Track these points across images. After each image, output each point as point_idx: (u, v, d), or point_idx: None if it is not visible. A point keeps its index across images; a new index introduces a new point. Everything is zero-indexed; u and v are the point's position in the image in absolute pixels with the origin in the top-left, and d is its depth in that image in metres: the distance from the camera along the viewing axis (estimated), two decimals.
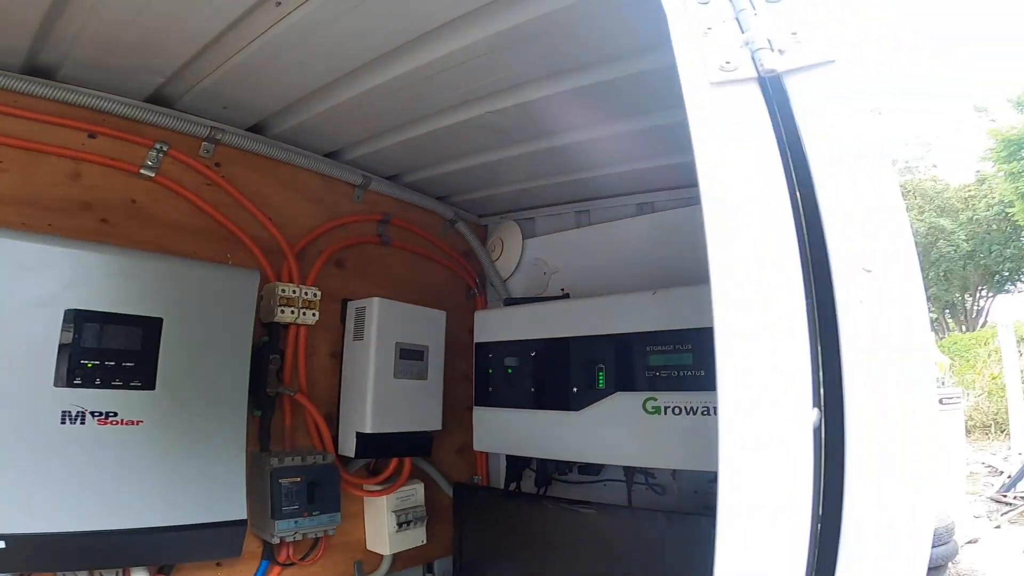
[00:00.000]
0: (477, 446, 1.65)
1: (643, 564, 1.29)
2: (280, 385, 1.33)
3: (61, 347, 0.97)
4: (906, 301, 0.48)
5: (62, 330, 0.96)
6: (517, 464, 1.74)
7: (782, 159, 0.50)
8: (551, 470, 1.68)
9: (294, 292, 1.33)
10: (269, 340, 1.33)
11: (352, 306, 1.48)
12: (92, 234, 1.13)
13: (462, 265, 1.87)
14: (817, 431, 0.46)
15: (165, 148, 1.24)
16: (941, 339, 12.24)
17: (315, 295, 1.37)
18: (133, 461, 1.04)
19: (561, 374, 1.51)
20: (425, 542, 1.63)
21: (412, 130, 1.37)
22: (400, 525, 1.54)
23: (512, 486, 1.70)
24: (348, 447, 1.41)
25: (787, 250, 0.48)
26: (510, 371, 1.59)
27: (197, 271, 1.16)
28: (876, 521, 0.47)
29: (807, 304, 0.47)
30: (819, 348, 0.48)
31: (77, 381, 0.98)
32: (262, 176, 1.39)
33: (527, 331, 1.58)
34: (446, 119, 1.31)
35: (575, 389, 1.48)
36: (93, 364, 0.99)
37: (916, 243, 0.48)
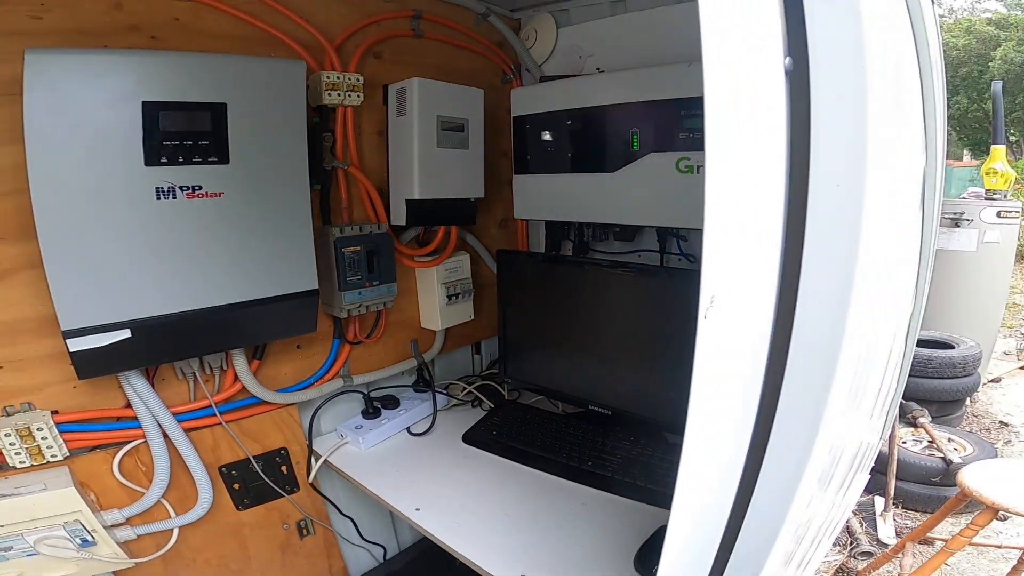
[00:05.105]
0: (518, 214, 1.80)
1: (675, 319, 1.43)
2: (334, 160, 1.50)
3: (144, 133, 1.09)
4: None
5: (142, 118, 1.08)
6: (556, 234, 1.91)
7: None
8: (588, 238, 1.84)
9: (338, 78, 1.43)
10: (320, 120, 1.46)
11: (392, 88, 1.57)
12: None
13: (496, 53, 1.91)
14: None
15: None
16: (1019, 160, 12.29)
17: (358, 79, 1.47)
18: (219, 234, 1.20)
19: (596, 140, 1.58)
20: (472, 317, 1.86)
21: None
22: (449, 298, 1.76)
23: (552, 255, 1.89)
24: (399, 215, 1.59)
25: None
26: (547, 140, 1.68)
27: (249, 63, 1.23)
28: None
29: None
30: None
31: (163, 160, 1.12)
32: None
33: (562, 103, 1.64)
34: None
35: (609, 152, 1.55)
36: (174, 144, 1.13)
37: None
